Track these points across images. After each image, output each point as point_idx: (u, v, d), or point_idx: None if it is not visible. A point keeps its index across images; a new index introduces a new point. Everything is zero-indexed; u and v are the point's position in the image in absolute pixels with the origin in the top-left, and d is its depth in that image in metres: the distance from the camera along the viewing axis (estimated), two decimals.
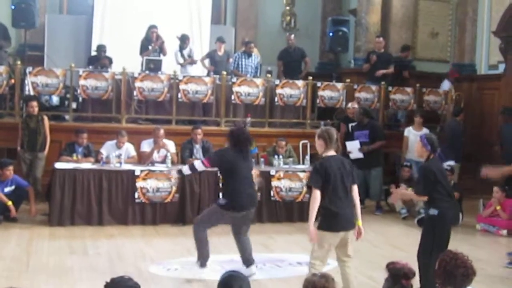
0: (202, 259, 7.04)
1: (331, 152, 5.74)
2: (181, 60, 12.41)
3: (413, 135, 11.06)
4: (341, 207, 5.65)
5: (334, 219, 5.66)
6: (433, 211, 5.91)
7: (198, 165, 7.06)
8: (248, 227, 7.00)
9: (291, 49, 13.32)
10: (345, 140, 10.75)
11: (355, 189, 5.83)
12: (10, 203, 8.81)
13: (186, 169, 7.23)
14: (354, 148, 10.73)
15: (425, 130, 10.84)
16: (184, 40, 12.46)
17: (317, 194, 5.61)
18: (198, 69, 12.93)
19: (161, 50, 12.20)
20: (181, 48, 12.47)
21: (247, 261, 6.90)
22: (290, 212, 9.80)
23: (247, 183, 6.87)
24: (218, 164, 6.99)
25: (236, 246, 7.02)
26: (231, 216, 6.86)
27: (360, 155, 10.63)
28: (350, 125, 11.20)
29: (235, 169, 6.78)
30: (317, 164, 5.78)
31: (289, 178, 9.75)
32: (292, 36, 13.47)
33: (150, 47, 12.06)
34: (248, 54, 12.63)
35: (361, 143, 10.77)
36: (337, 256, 5.86)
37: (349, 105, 11.71)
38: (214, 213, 6.94)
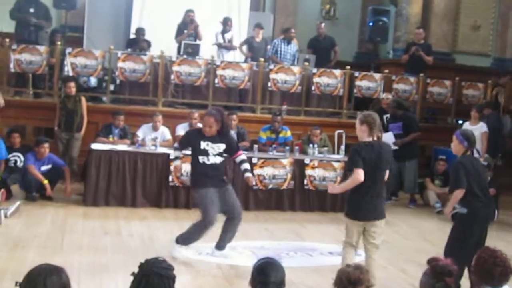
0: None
1: (374, 138, 5.62)
2: (221, 40, 12.39)
3: (470, 130, 10.69)
4: (367, 197, 5.61)
5: (358, 208, 5.66)
6: (463, 210, 5.79)
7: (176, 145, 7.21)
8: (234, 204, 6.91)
9: (321, 37, 13.23)
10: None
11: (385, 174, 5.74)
12: (46, 181, 8.91)
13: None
14: (388, 139, 10.60)
15: (481, 124, 10.63)
16: (226, 22, 12.45)
17: (361, 173, 5.50)
18: (235, 55, 12.92)
19: (196, 35, 12.19)
20: (224, 32, 12.45)
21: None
22: (323, 201, 9.75)
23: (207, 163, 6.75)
24: (186, 145, 6.98)
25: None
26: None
27: (395, 147, 10.51)
28: (384, 116, 11.02)
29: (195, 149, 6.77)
30: (357, 147, 5.67)
31: (323, 167, 9.71)
32: (323, 24, 13.38)
33: (185, 31, 12.07)
34: (288, 41, 12.57)
35: (395, 135, 10.63)
36: (363, 242, 5.83)
37: (383, 95, 11.58)
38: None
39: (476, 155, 6.08)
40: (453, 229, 5.93)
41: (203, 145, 6.72)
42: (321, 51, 12.93)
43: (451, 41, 14.54)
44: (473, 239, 5.70)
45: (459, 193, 5.78)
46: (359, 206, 5.66)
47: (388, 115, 10.96)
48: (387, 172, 5.80)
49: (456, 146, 5.97)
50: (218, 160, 6.79)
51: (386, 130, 10.79)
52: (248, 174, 7.04)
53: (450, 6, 14.39)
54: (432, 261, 3.58)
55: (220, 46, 12.43)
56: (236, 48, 12.72)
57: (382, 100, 11.52)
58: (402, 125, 10.69)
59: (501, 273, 3.80)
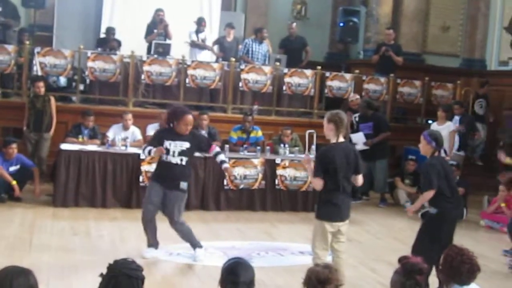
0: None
1: (340, 139, 5.61)
2: (195, 38, 12.34)
3: (437, 129, 10.71)
4: (341, 198, 5.62)
5: (332, 210, 5.63)
6: (433, 210, 5.84)
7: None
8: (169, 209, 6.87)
9: (293, 37, 13.26)
10: (350, 132, 10.73)
11: (359, 178, 5.78)
12: (14, 182, 8.82)
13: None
14: (359, 139, 10.67)
15: (448, 124, 10.73)
16: (200, 23, 12.41)
17: (317, 182, 5.56)
18: (206, 55, 12.89)
19: (166, 34, 12.14)
20: (198, 31, 12.41)
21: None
22: (294, 201, 9.78)
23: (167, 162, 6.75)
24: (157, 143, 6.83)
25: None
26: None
27: (365, 147, 10.58)
28: (353, 116, 11.09)
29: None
30: (321, 152, 5.71)
31: (294, 167, 9.73)
32: (294, 24, 13.42)
33: (155, 31, 12.01)
34: (260, 41, 12.57)
35: (365, 135, 10.70)
36: (331, 244, 5.76)
37: (351, 97, 11.66)
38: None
39: (442, 154, 6.12)
40: (421, 228, 5.97)
41: (166, 144, 6.68)
42: (293, 51, 12.95)
43: (421, 42, 14.66)
44: (441, 238, 5.73)
45: (428, 194, 5.83)
46: (335, 209, 5.63)
47: (357, 115, 11.02)
48: (361, 175, 5.81)
49: (424, 147, 5.99)
50: (182, 160, 6.72)
51: (355, 130, 10.88)
52: (225, 165, 7.04)
53: (420, 7, 14.51)
54: (402, 260, 3.61)
55: (193, 44, 12.38)
56: (210, 48, 12.68)
57: (350, 101, 11.57)
58: (372, 125, 10.77)
59: (468, 270, 3.85)
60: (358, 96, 11.53)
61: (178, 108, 7.10)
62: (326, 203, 5.64)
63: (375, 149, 10.61)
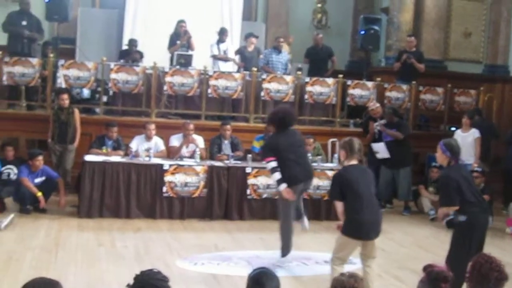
0: (286, 249, 7.29)
1: (353, 162, 5.90)
2: (216, 52, 12.41)
3: (461, 137, 10.35)
4: (365, 215, 5.70)
5: (356, 227, 5.74)
6: (462, 218, 5.82)
7: (270, 165, 7.10)
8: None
9: (319, 47, 13.27)
10: (372, 141, 10.71)
11: None
12: (40, 193, 8.89)
13: (276, 176, 7.07)
14: (379, 148, 10.62)
15: (473, 130, 10.63)
16: (223, 33, 12.47)
17: (337, 205, 5.86)
18: (228, 65, 12.95)
19: (189, 45, 12.21)
20: (219, 42, 12.47)
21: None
22: (317, 210, 9.76)
23: (299, 158, 7.14)
24: (273, 154, 7.10)
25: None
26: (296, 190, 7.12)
27: (387, 155, 10.51)
28: (375, 124, 10.97)
29: (280, 151, 7.03)
30: (336, 175, 6.06)
31: (317, 176, 9.68)
32: (320, 35, 13.41)
33: (178, 42, 12.09)
34: (278, 50, 12.60)
35: (388, 143, 10.60)
36: (361, 252, 5.93)
37: (371, 105, 11.30)
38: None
39: (466, 162, 6.13)
40: (453, 238, 5.96)
41: None
42: (319, 61, 12.96)
43: (442, 49, 14.59)
44: (474, 245, 5.72)
45: (449, 209, 5.93)
46: (359, 226, 5.73)
47: (378, 124, 10.87)
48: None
49: (440, 157, 6.02)
50: None
51: (378, 139, 10.75)
52: None
53: (441, 14, 14.44)
54: (427, 268, 3.61)
55: (215, 57, 12.44)
56: (231, 60, 12.73)
57: (371, 110, 11.17)
58: (396, 132, 10.64)
59: (496, 278, 3.82)
60: (378, 105, 11.40)
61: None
62: (351, 221, 5.74)
63: (399, 157, 10.51)
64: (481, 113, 12.07)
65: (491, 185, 10.47)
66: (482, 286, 3.87)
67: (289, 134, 7.26)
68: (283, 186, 7.00)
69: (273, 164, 7.03)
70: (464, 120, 10.84)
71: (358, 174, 5.81)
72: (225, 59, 12.60)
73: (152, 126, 9.82)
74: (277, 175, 7.02)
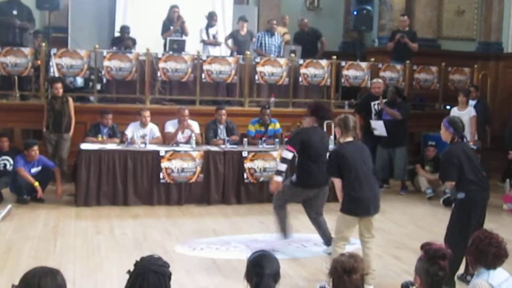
0: (284, 232, 7.19)
1: (349, 139, 5.93)
2: (205, 37, 12.37)
3: (458, 115, 10.53)
4: (362, 191, 5.75)
5: (355, 204, 5.78)
6: (460, 195, 5.86)
7: (286, 154, 6.78)
8: (321, 206, 7.09)
9: (305, 32, 13.19)
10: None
11: None
12: (36, 183, 8.89)
13: (281, 166, 6.87)
14: (378, 126, 10.61)
15: (469, 109, 10.62)
16: (212, 17, 12.42)
17: (336, 182, 5.86)
18: (221, 50, 12.90)
19: (182, 30, 12.14)
20: (208, 26, 12.42)
21: (328, 240, 6.95)
22: None
23: (321, 161, 6.81)
24: (299, 146, 6.82)
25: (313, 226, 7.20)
26: (303, 193, 6.99)
27: (384, 133, 10.50)
28: (373, 103, 10.95)
29: (310, 148, 6.81)
30: (332, 152, 6.09)
31: None
32: (305, 20, 13.30)
33: (171, 28, 12.03)
34: (271, 33, 12.57)
35: (388, 122, 10.57)
36: (359, 233, 5.97)
37: (374, 80, 11.30)
38: (287, 190, 7.00)
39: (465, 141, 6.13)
40: (452, 215, 5.99)
41: None
42: (307, 45, 12.88)
43: (435, 27, 14.55)
44: (473, 222, 5.76)
45: (450, 184, 5.99)
46: (357, 203, 5.78)
47: (376, 102, 10.86)
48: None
49: (444, 133, 6.05)
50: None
51: (377, 116, 10.74)
52: None
53: None
54: (425, 246, 3.63)
55: (205, 43, 12.40)
56: (221, 44, 12.70)
57: (372, 84, 11.18)
58: (397, 112, 10.62)
59: (494, 253, 3.85)
60: (381, 81, 11.31)
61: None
62: (349, 198, 5.78)
63: (395, 136, 10.49)
64: (478, 89, 12.10)
65: (487, 163, 10.48)
66: (480, 261, 3.90)
67: (320, 135, 6.99)
68: (279, 178, 6.83)
69: (290, 155, 6.74)
70: (460, 98, 10.82)
71: (355, 151, 5.84)
72: (214, 44, 12.56)
73: (147, 113, 9.79)
74: (283, 167, 6.80)
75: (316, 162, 6.79)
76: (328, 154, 6.64)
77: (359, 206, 5.77)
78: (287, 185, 6.99)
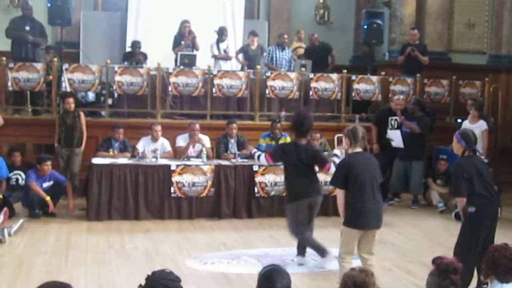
0: (321, 251, 7.08)
1: (357, 149, 5.91)
2: (216, 52, 12.44)
3: (469, 128, 10.49)
4: (366, 203, 5.74)
5: (357, 216, 5.77)
6: (471, 209, 5.82)
7: (262, 159, 7.38)
8: (311, 216, 7.09)
9: (316, 46, 13.21)
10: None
11: None
12: (48, 198, 8.92)
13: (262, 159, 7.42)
14: (395, 136, 10.58)
15: (481, 122, 10.59)
16: (222, 32, 12.49)
17: (338, 193, 5.92)
18: (232, 64, 12.95)
19: (193, 45, 12.21)
20: (219, 41, 12.49)
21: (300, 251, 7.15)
22: (325, 206, 9.69)
23: (304, 173, 6.92)
24: (280, 159, 7.15)
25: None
26: (299, 205, 6.95)
27: (401, 144, 10.47)
28: (390, 118, 10.94)
29: (289, 161, 6.95)
30: (340, 163, 6.13)
31: (324, 171, 9.68)
32: (315, 35, 13.33)
33: (182, 42, 12.10)
34: (282, 47, 12.61)
35: (405, 134, 10.53)
36: (359, 248, 5.94)
37: (396, 97, 11.27)
38: (290, 212, 7.02)
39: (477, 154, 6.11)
40: (462, 229, 5.96)
41: None
42: (318, 59, 12.87)
43: (446, 40, 14.54)
44: (482, 237, 5.74)
45: (461, 201, 5.92)
46: (360, 215, 5.76)
47: (394, 118, 10.85)
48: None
49: (455, 146, 6.04)
50: None
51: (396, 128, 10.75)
52: None
53: (444, 6, 14.38)
54: (436, 260, 3.61)
55: (216, 57, 12.46)
56: (231, 58, 12.76)
57: (396, 100, 11.09)
58: (416, 125, 10.54)
59: (507, 266, 3.82)
60: (403, 97, 11.30)
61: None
62: (352, 210, 5.78)
63: (413, 149, 10.43)
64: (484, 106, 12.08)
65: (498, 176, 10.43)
66: (492, 270, 3.89)
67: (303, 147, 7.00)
68: (262, 156, 7.33)
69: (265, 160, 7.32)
70: (471, 111, 10.81)
71: (363, 162, 5.84)
72: (226, 58, 12.61)
73: (158, 128, 9.82)
74: (262, 157, 7.34)
75: (299, 174, 6.91)
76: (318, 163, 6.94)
77: (361, 218, 5.75)
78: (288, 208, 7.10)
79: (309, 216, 7.05)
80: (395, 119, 10.84)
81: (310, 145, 7.21)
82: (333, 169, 6.59)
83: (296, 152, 6.90)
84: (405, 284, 6.52)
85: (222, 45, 12.55)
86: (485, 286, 4.14)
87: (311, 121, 7.16)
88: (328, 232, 8.67)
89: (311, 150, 7.03)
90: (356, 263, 5.74)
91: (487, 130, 10.54)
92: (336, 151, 7.09)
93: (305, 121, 7.00)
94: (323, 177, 9.58)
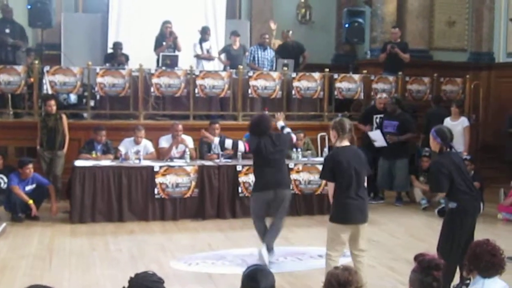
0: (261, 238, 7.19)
1: (345, 143, 5.82)
2: (199, 52, 12.42)
3: (451, 125, 10.54)
4: (352, 198, 5.69)
5: (344, 211, 5.72)
6: (452, 204, 5.86)
7: (241, 146, 7.50)
8: (276, 209, 7.10)
9: (289, 44, 13.19)
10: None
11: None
12: (31, 201, 8.87)
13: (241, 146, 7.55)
14: (376, 136, 10.64)
15: (462, 119, 10.66)
16: (205, 31, 12.48)
17: (329, 186, 5.81)
18: (215, 64, 12.94)
19: (175, 46, 12.19)
20: (202, 41, 12.48)
21: (267, 246, 7.05)
22: (310, 205, 9.78)
23: (272, 166, 7.01)
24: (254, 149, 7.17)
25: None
26: (259, 197, 7.06)
27: (384, 143, 10.53)
28: (375, 116, 11.02)
29: (261, 154, 7.03)
30: (327, 156, 6.09)
31: (308, 171, 9.74)
32: (290, 32, 13.33)
33: (164, 43, 12.07)
34: (264, 47, 12.61)
35: (387, 133, 10.61)
36: (350, 245, 5.89)
37: (379, 95, 11.45)
38: (252, 202, 7.18)
39: (457, 150, 6.15)
40: (444, 226, 5.97)
41: None
42: (290, 57, 12.81)
43: (427, 38, 14.61)
44: (464, 232, 5.76)
45: (442, 195, 5.98)
46: (346, 210, 5.71)
47: (379, 116, 10.92)
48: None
49: (432, 143, 6.07)
50: None
51: (379, 128, 10.80)
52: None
53: (424, 4, 14.45)
54: (418, 257, 3.62)
55: (199, 57, 12.44)
56: (214, 58, 12.75)
57: (378, 99, 11.30)
58: (397, 125, 10.60)
59: (488, 261, 3.85)
60: (386, 96, 11.39)
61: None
62: (338, 205, 5.74)
63: (396, 148, 10.51)
64: (440, 100, 12.19)
65: (481, 172, 10.52)
66: (474, 266, 3.91)
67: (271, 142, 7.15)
68: (241, 143, 7.52)
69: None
70: (453, 108, 10.89)
71: (350, 156, 5.73)
72: (208, 58, 12.61)
73: (142, 133, 9.75)
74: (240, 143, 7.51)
75: (267, 166, 7.02)
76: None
77: (347, 213, 5.69)
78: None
79: (274, 209, 7.12)
80: (380, 117, 10.90)
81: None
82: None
83: (270, 138, 7.11)
84: (389, 281, 6.56)
85: (205, 45, 12.54)
86: (468, 281, 4.16)
87: (268, 124, 7.30)
88: (314, 231, 8.72)
89: (279, 134, 7.40)
90: (341, 261, 5.74)
91: (468, 127, 10.63)
92: (280, 123, 7.63)
93: (261, 123, 7.25)
94: (307, 177, 9.67)
